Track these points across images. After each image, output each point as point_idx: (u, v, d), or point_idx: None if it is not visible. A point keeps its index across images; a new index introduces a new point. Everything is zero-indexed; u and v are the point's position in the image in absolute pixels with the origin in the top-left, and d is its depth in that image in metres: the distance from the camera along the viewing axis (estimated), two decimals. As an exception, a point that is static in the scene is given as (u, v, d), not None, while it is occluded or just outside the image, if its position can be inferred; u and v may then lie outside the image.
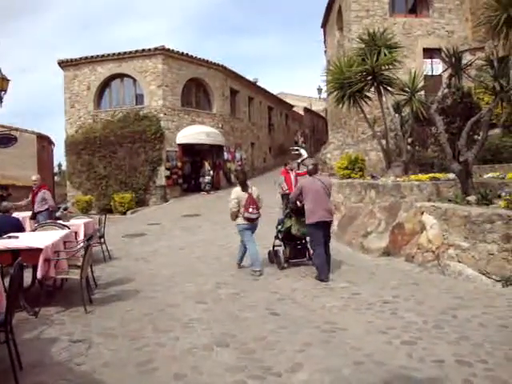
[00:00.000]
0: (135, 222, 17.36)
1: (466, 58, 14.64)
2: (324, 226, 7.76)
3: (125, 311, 6.23)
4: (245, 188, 8.23)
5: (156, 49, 22.74)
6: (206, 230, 13.72)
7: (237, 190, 8.31)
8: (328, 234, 7.92)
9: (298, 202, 8.22)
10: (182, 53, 23.92)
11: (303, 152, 20.00)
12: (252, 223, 8.25)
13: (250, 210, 8.06)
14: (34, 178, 11.65)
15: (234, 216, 8.25)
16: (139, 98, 23.56)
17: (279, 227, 8.83)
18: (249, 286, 7.43)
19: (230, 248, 10.75)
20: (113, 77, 23.85)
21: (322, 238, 7.69)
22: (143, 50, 22.91)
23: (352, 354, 4.52)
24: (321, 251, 7.66)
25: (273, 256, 8.94)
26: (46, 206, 11.03)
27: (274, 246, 9.00)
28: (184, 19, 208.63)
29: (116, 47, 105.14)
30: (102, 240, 10.09)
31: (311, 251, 8.23)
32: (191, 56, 24.49)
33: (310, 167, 8.33)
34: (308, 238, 8.47)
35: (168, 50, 23.05)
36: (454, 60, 9.67)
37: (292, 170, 13.97)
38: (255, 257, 8.20)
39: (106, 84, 24.09)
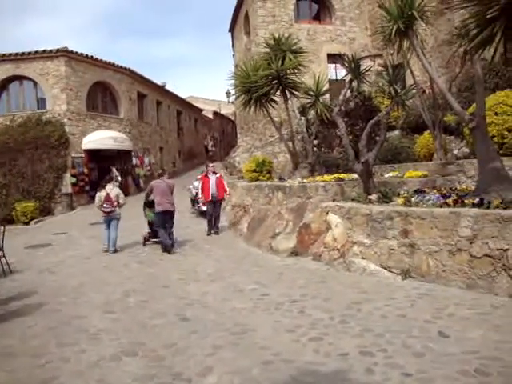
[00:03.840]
0: (40, 232, 16.50)
1: (367, 63, 15.38)
2: (167, 214, 10.75)
3: (26, 327, 5.89)
4: (102, 190, 11.01)
5: (58, 50, 21.73)
6: (115, 237, 13.33)
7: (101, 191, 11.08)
8: (172, 221, 10.94)
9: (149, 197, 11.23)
10: (87, 55, 23.11)
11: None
12: (107, 215, 10.92)
13: (104, 205, 10.83)
14: None
15: (99, 209, 11.01)
16: (41, 102, 22.37)
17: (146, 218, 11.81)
18: (158, 292, 7.31)
19: (139, 255, 10.57)
20: (10, 79, 22.43)
21: (165, 222, 10.69)
22: (44, 51, 21.79)
23: (261, 354, 4.58)
24: (163, 232, 10.62)
25: (143, 238, 11.70)
26: None
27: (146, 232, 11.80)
28: (91, 19, 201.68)
29: (14, 47, 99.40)
30: (1, 253, 9.49)
31: (173, 233, 11.11)
32: (96, 59, 23.74)
33: (160, 171, 11.80)
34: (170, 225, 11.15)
35: (71, 51, 22.14)
36: (353, 66, 10.14)
37: (215, 173, 13.21)
38: (106, 239, 11.03)
39: (2, 86, 22.61)
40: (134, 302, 6.84)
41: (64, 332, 5.61)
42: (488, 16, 5.82)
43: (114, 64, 25.01)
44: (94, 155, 23.93)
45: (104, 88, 25.02)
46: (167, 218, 10.78)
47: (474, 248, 6.04)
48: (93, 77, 23.67)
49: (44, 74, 21.94)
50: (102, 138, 23.22)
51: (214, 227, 12.77)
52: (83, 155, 22.71)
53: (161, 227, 10.72)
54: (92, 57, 23.43)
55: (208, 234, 12.61)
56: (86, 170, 22.81)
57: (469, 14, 6.32)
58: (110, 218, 10.93)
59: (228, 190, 13.32)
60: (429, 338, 4.64)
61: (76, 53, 22.48)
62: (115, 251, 10.88)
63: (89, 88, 23.44)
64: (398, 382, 3.83)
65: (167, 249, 10.49)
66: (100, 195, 10.92)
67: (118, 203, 10.98)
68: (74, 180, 21.76)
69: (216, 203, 12.81)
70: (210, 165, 13.69)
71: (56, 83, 21.89)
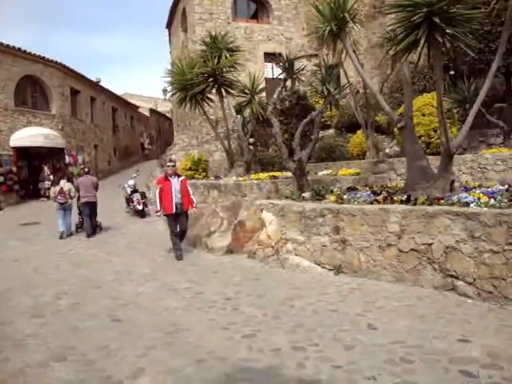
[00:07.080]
0: (-39, 235, 15.59)
1: (302, 63, 15.62)
2: (89, 205, 12.68)
3: None
4: (57, 185, 12.89)
5: (-20, 41, 20.56)
6: (46, 238, 12.80)
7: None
8: (94, 211, 12.96)
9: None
10: (14, 47, 21.89)
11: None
12: (61, 205, 12.59)
13: (58, 197, 12.57)
14: None
15: (54, 200, 12.75)
16: (-38, 97, 21.14)
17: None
18: (91, 293, 7.09)
19: (72, 256, 10.23)
20: None
21: (89, 212, 12.68)
22: (-37, 41, 20.51)
23: (195, 352, 4.55)
24: (87, 220, 12.67)
25: (76, 225, 13.42)
26: None
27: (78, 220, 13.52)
28: (21, 10, 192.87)
29: None
30: None
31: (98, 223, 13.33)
32: (24, 51, 22.54)
33: (86, 169, 13.73)
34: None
35: (-5, 42, 20.99)
36: (287, 65, 10.28)
37: (178, 175, 9.95)
38: (60, 226, 12.71)
39: None
40: (65, 304, 6.58)
41: (-16, 341, 5.29)
42: (414, 22, 6.07)
43: (44, 57, 23.94)
44: (24, 153, 22.95)
45: (34, 82, 23.97)
46: (91, 208, 12.77)
47: (402, 243, 6.29)
48: (21, 70, 22.55)
49: (-36, 65, 20.68)
50: (31, 135, 22.23)
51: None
52: (11, 153, 21.70)
53: (85, 216, 12.75)
54: (20, 49, 22.27)
55: (178, 259, 9.23)
56: (14, 169, 21.83)
57: (396, 20, 6.56)
58: (64, 208, 12.79)
59: (195, 200, 10.07)
60: (358, 331, 4.79)
61: (2, 44, 21.27)
62: (71, 234, 12.95)
63: (17, 82, 22.36)
64: (328, 374, 3.92)
65: (89, 235, 12.55)
66: (55, 189, 12.92)
67: (70, 196, 12.90)
68: (1, 179, 20.76)
69: (181, 216, 9.63)
70: (169, 164, 9.97)
71: (-21, 76, 20.74)
